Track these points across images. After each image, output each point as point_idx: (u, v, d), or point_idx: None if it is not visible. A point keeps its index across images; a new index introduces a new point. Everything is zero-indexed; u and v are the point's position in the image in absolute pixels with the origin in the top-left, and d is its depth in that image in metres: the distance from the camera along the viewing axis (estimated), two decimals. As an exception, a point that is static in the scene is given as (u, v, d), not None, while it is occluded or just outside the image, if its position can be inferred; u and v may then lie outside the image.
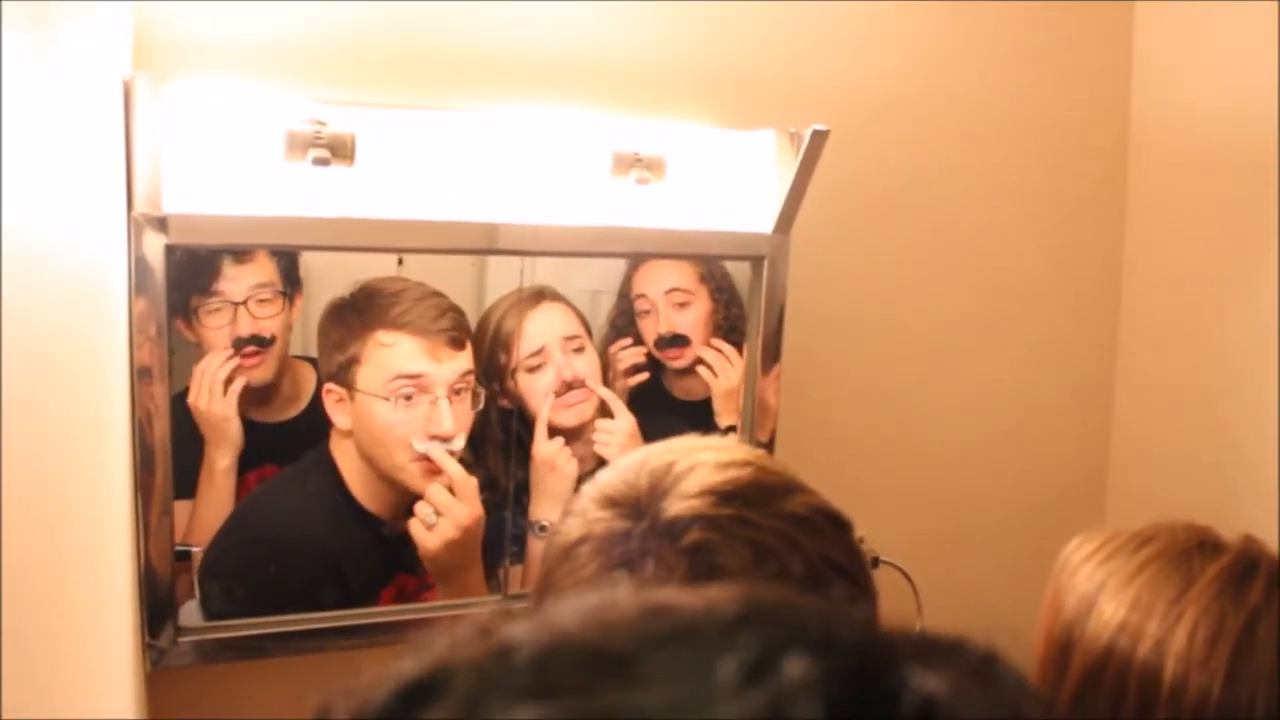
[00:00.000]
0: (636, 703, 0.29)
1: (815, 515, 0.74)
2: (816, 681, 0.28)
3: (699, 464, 0.74)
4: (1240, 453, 1.74)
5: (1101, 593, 0.86)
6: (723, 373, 1.56)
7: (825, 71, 1.64)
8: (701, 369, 1.56)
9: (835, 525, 0.75)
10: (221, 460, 1.35)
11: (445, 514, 1.40)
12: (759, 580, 0.68)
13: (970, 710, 0.30)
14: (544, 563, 0.77)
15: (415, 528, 1.41)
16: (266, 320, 1.33)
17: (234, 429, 1.34)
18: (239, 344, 1.32)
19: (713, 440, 0.81)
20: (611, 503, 0.74)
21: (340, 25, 1.37)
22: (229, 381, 1.33)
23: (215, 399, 1.32)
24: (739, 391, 1.57)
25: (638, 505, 0.72)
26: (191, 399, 1.32)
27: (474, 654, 0.31)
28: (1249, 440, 1.73)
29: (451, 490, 1.40)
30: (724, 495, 0.71)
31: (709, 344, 1.55)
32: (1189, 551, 0.86)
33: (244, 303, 1.32)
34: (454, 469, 1.40)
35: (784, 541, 0.70)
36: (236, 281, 1.31)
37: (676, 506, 0.71)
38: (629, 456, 0.78)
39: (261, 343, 1.34)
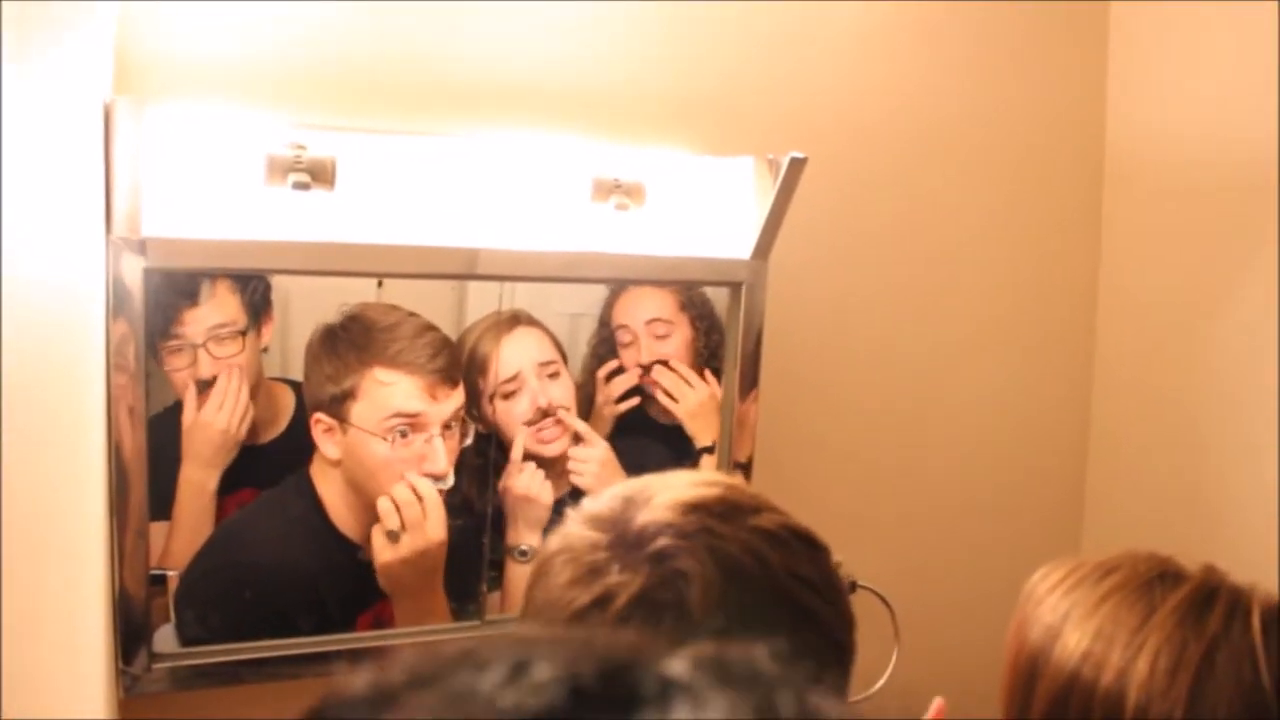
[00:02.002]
0: None
1: (784, 532, 0.75)
2: (563, 677, 0.31)
3: (673, 484, 0.77)
4: (1216, 478, 1.75)
5: (1066, 623, 0.87)
6: (681, 396, 1.56)
7: (803, 99, 1.65)
8: (659, 394, 1.56)
9: (806, 544, 0.76)
10: (210, 482, 1.35)
11: (409, 531, 1.40)
12: (719, 588, 0.70)
13: (712, 690, 0.32)
14: (530, 579, 0.78)
15: (376, 537, 1.40)
16: (227, 360, 1.33)
17: (236, 451, 1.35)
18: (201, 387, 1.32)
19: (689, 473, 0.83)
20: (590, 521, 0.76)
21: (321, 50, 1.38)
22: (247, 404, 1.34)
23: (238, 419, 1.33)
24: (710, 411, 1.57)
25: (613, 521, 0.75)
26: (214, 420, 1.32)
27: None
28: (1225, 465, 1.74)
29: (424, 514, 1.40)
30: (691, 506, 0.74)
31: (666, 367, 1.56)
32: (1150, 581, 0.87)
33: (203, 344, 1.32)
34: (430, 493, 1.40)
35: (748, 552, 0.72)
36: (195, 323, 1.31)
37: (645, 517, 0.73)
38: (612, 488, 0.81)
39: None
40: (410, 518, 1.39)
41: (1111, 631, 0.84)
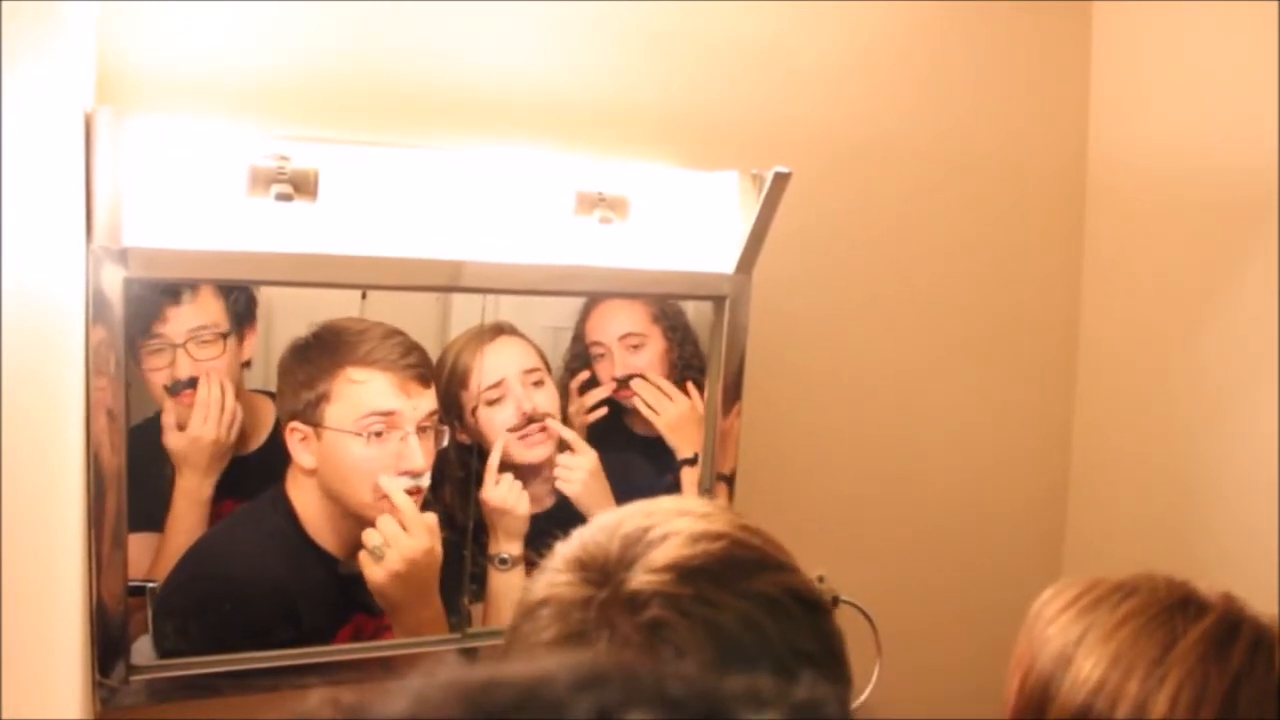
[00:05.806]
0: None
1: (786, 597, 0.71)
2: None
3: (672, 533, 0.73)
4: (1200, 493, 1.76)
5: (1079, 647, 0.84)
6: (661, 408, 1.56)
7: (787, 115, 1.66)
8: (639, 405, 1.56)
9: (808, 608, 0.73)
10: (205, 490, 1.34)
11: (393, 546, 1.39)
12: (713, 664, 0.66)
13: None
14: (513, 618, 0.76)
15: (363, 560, 1.40)
16: (207, 362, 1.32)
17: (229, 457, 1.35)
18: (176, 387, 1.31)
19: (694, 505, 0.79)
20: (579, 566, 0.73)
21: (305, 61, 1.38)
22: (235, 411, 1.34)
23: (225, 427, 1.33)
24: (691, 423, 1.57)
25: (604, 570, 0.71)
26: (200, 430, 1.32)
27: None
28: (1209, 480, 1.75)
29: (402, 525, 1.39)
30: (688, 571, 0.70)
31: (644, 379, 1.56)
32: (1170, 609, 0.84)
33: (183, 344, 1.31)
34: (404, 502, 1.39)
35: (746, 625, 0.69)
36: (176, 323, 1.30)
37: (639, 579, 0.70)
38: (609, 515, 0.77)
39: (196, 385, 1.33)
40: (389, 531, 1.39)
41: (1130, 661, 0.81)
